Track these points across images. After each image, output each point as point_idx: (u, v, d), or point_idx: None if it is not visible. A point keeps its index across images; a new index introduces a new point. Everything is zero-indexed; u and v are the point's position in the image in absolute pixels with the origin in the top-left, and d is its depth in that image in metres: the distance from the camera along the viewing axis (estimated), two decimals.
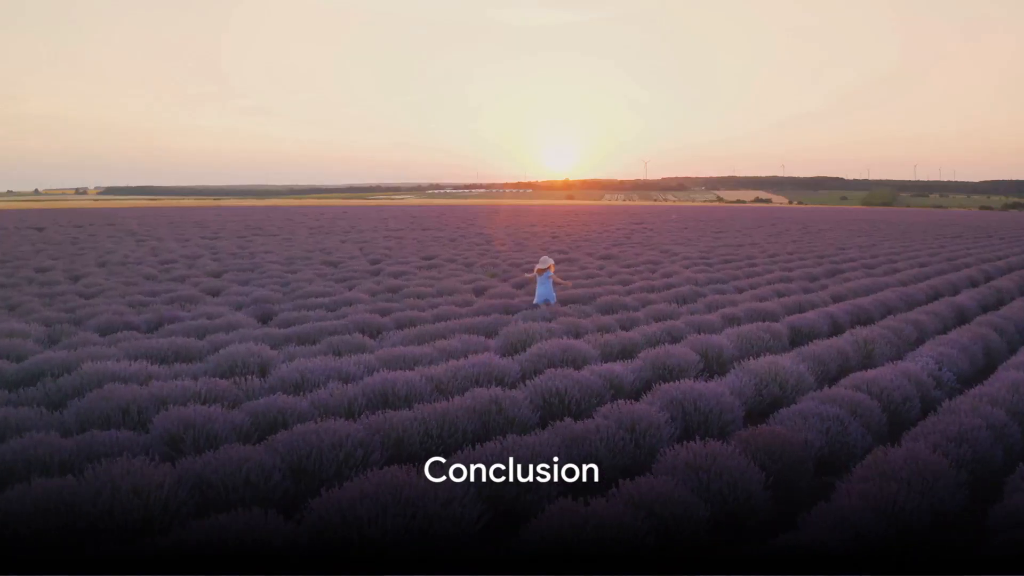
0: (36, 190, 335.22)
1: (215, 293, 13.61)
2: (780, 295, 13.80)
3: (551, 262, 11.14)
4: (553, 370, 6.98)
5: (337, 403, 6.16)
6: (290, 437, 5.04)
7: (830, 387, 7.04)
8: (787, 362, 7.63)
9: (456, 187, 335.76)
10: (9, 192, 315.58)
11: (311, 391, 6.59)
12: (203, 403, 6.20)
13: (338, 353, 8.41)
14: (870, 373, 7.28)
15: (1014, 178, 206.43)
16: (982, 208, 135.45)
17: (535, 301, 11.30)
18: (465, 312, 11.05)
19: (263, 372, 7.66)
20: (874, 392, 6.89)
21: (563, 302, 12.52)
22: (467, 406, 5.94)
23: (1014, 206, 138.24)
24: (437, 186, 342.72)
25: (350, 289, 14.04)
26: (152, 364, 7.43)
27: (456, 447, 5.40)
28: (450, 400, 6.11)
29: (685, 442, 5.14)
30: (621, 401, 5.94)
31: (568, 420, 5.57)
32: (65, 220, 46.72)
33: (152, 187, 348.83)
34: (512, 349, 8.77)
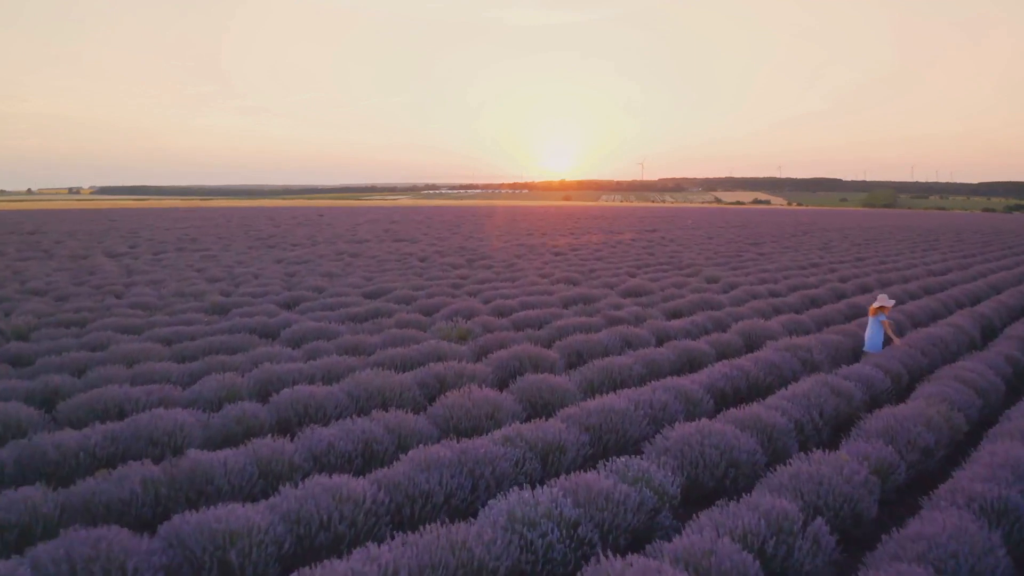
0: (29, 189, 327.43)
1: None
2: (983, 400, 7.55)
3: (890, 303, 8.90)
4: None
5: None
6: None
7: None
8: None
9: (452, 187, 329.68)
10: (3, 192, 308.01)
11: None
12: None
13: None
14: None
15: (1013, 180, 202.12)
16: (985, 210, 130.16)
17: (864, 348, 9.38)
18: (374, 521, 4.69)
19: None
20: None
21: (595, 437, 6.21)
22: None
23: (1016, 208, 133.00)
24: (433, 187, 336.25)
25: (194, 381, 7.69)
26: None
27: None
28: None
29: None
30: None
31: None
32: None
33: (148, 187, 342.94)
34: None
